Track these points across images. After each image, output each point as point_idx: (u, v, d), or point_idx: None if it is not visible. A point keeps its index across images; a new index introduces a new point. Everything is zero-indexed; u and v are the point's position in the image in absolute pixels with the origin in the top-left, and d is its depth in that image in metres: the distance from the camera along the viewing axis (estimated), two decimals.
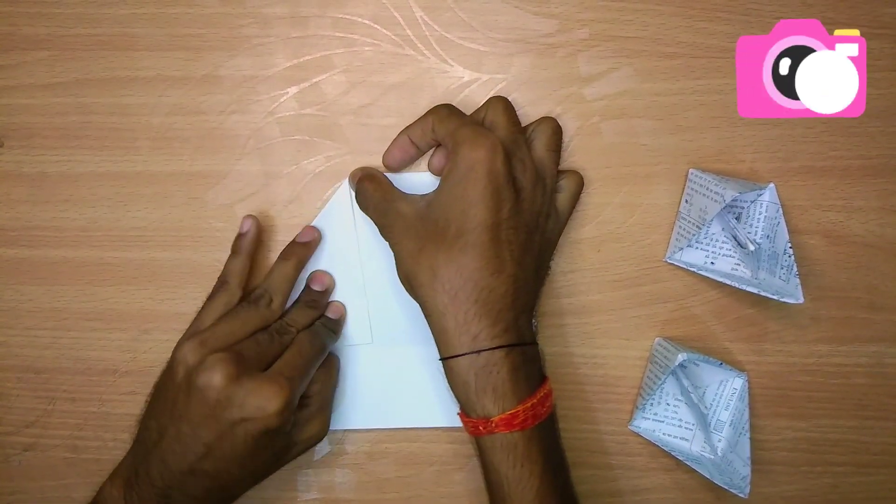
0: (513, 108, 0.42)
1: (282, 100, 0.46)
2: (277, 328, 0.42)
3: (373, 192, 0.42)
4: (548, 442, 0.39)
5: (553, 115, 0.45)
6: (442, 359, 0.39)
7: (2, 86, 0.45)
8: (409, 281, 0.40)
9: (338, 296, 0.46)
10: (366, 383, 0.46)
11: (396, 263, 0.40)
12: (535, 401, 0.38)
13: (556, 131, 0.42)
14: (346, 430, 0.47)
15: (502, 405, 0.37)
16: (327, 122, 0.46)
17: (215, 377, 0.38)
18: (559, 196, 0.43)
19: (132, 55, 0.45)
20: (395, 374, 0.46)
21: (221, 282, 0.43)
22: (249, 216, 0.44)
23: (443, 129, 0.41)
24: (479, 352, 0.37)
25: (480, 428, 0.38)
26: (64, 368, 0.47)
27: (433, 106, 0.43)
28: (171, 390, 0.39)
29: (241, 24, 0.45)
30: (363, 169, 0.44)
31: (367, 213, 0.43)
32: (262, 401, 0.38)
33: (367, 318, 0.46)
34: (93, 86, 0.45)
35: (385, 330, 0.46)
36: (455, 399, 0.39)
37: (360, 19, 0.45)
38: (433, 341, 0.40)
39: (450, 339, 0.38)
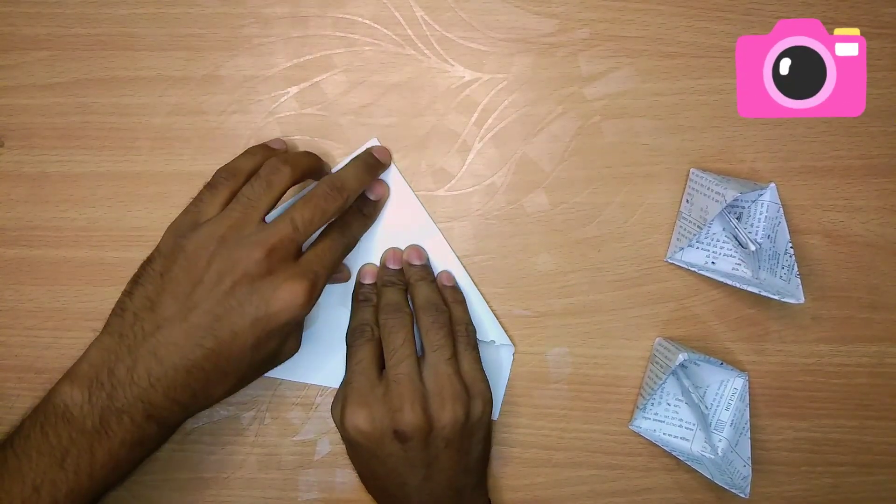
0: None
1: (282, 100, 0.45)
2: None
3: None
4: None
5: (554, 115, 0.45)
6: None
7: (2, 86, 0.45)
8: None
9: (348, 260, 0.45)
10: None
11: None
12: None
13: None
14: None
15: None
16: (328, 121, 0.46)
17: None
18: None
19: (132, 55, 0.45)
20: None
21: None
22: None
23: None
24: None
25: None
26: (64, 368, 0.46)
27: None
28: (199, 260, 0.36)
29: (242, 24, 0.45)
30: None
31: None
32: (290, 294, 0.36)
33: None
34: (93, 86, 0.45)
35: None
36: None
37: (360, 19, 0.45)
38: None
39: None
